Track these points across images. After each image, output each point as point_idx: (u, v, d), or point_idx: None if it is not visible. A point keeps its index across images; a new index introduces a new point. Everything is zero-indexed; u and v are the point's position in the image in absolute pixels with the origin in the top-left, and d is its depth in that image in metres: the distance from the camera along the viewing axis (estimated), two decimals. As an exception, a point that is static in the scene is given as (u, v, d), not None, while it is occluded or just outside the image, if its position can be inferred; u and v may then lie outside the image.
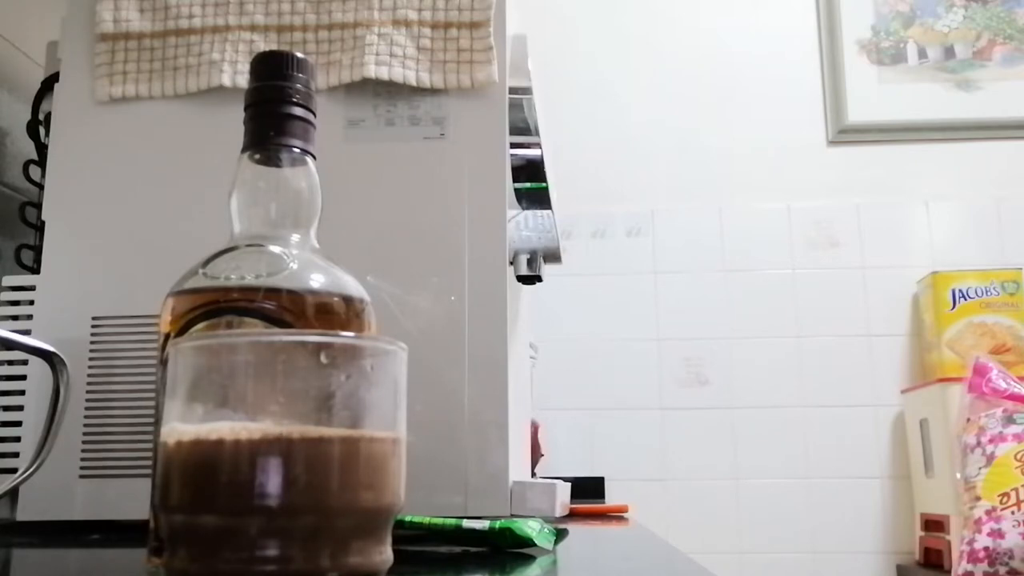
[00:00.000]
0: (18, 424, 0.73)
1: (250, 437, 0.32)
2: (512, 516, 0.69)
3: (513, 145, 0.80)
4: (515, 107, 0.80)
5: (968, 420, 1.71)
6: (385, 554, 0.35)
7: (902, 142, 2.12)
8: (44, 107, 0.86)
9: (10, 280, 0.78)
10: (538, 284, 0.91)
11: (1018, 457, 1.62)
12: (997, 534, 1.58)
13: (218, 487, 0.33)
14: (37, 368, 0.72)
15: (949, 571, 1.68)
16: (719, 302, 2.08)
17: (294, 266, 0.43)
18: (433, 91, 0.77)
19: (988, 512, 1.60)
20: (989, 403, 1.70)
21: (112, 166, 0.78)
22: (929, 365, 1.96)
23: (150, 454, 0.43)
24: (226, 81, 0.77)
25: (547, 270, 0.94)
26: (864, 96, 2.12)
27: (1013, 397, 1.69)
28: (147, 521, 0.43)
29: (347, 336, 0.38)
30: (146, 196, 0.77)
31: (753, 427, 2.03)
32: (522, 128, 0.84)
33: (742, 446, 2.02)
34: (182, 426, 0.34)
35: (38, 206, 0.80)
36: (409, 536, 0.54)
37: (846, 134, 2.12)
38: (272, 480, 0.32)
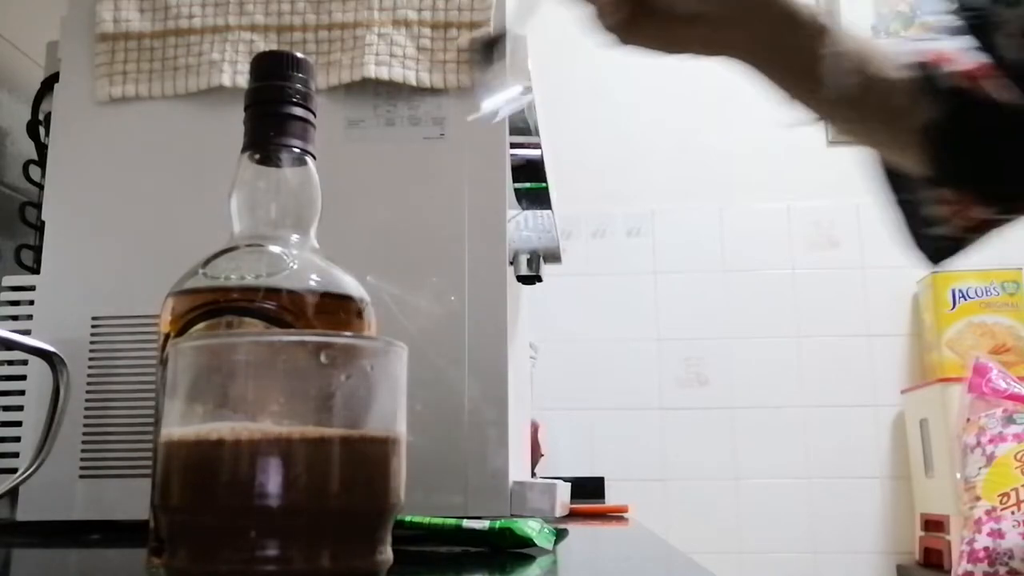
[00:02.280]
0: (18, 424, 0.73)
1: (250, 437, 0.32)
2: (512, 516, 0.69)
3: (513, 145, 0.80)
4: (515, 107, 0.80)
5: (968, 420, 1.71)
6: (385, 554, 0.35)
7: (902, 142, 2.12)
8: (44, 107, 0.86)
9: (10, 280, 0.78)
10: (538, 284, 0.91)
11: (1018, 457, 1.62)
12: (997, 534, 1.58)
13: (218, 487, 0.33)
14: (37, 368, 0.72)
15: (949, 571, 1.68)
16: (719, 302, 2.08)
17: (294, 266, 0.43)
18: (433, 91, 0.77)
19: (988, 512, 1.60)
20: (989, 403, 1.70)
21: (112, 166, 0.78)
22: (929, 365, 1.96)
23: (150, 454, 0.43)
24: (226, 81, 0.77)
25: (547, 270, 0.94)
26: (864, 96, 2.12)
27: (1013, 397, 1.69)
28: (147, 521, 0.43)
29: (347, 336, 0.38)
30: (146, 196, 0.77)
31: (753, 427, 2.03)
32: (522, 128, 0.84)
33: (742, 446, 2.02)
34: (182, 427, 0.34)
35: (38, 206, 0.80)
36: (409, 536, 0.54)
37: (846, 134, 2.12)
38: (272, 480, 0.32)
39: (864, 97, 0.59)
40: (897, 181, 0.68)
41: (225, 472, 0.32)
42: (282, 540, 0.32)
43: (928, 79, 0.59)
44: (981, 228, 0.65)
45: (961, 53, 0.60)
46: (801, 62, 0.58)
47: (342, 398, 0.34)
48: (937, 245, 0.67)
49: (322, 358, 0.34)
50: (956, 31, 0.62)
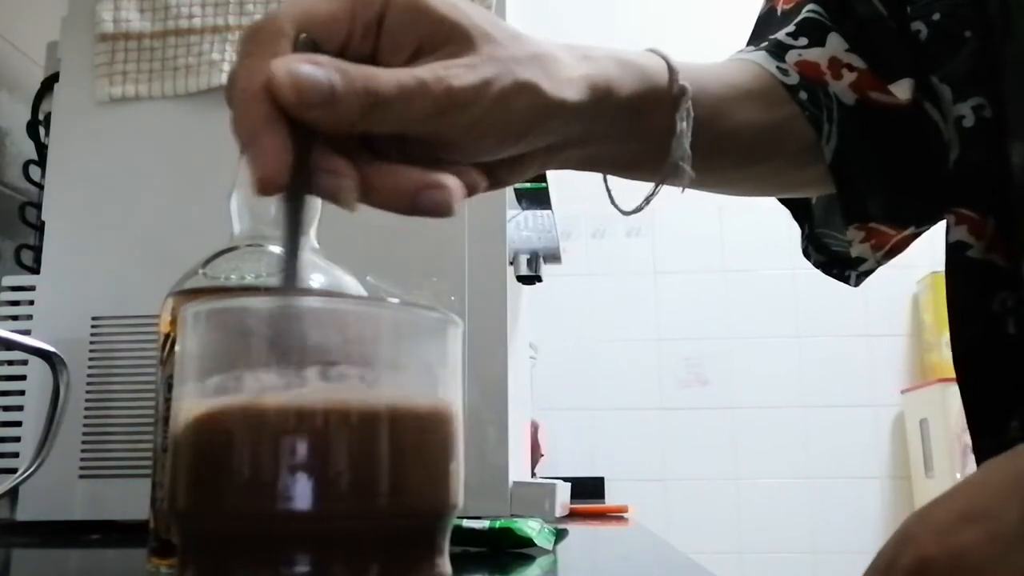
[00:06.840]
0: (18, 424, 0.73)
1: (276, 419, 0.26)
2: (512, 516, 0.69)
3: (513, 145, 0.80)
4: (515, 107, 0.79)
5: (968, 420, 1.71)
6: (445, 568, 0.29)
7: (902, 142, 2.12)
8: (44, 107, 0.86)
9: (10, 280, 0.78)
10: (538, 284, 0.91)
11: (1018, 457, 1.62)
12: (997, 534, 1.58)
13: (231, 485, 0.26)
14: (37, 368, 0.72)
15: (949, 571, 1.68)
16: (719, 302, 2.08)
17: (294, 266, 0.43)
18: (433, 91, 0.77)
19: (988, 512, 1.60)
20: (989, 403, 1.70)
21: (112, 166, 0.78)
22: (929, 365, 1.96)
23: (150, 454, 0.43)
24: (226, 81, 0.77)
25: (547, 270, 0.94)
26: (864, 96, 2.12)
27: (1013, 397, 1.69)
28: (147, 521, 0.43)
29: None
30: (146, 196, 0.77)
31: (753, 427, 2.03)
32: (522, 128, 0.83)
33: (742, 446, 2.02)
34: (188, 414, 0.28)
35: (38, 206, 0.80)
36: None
37: (846, 134, 2.12)
38: (304, 475, 0.26)
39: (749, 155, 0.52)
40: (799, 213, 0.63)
41: (241, 464, 0.26)
42: (316, 552, 0.26)
43: (813, 104, 0.52)
44: (899, 247, 0.59)
45: (829, 59, 0.53)
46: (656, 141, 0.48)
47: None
48: (858, 272, 0.64)
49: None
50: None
